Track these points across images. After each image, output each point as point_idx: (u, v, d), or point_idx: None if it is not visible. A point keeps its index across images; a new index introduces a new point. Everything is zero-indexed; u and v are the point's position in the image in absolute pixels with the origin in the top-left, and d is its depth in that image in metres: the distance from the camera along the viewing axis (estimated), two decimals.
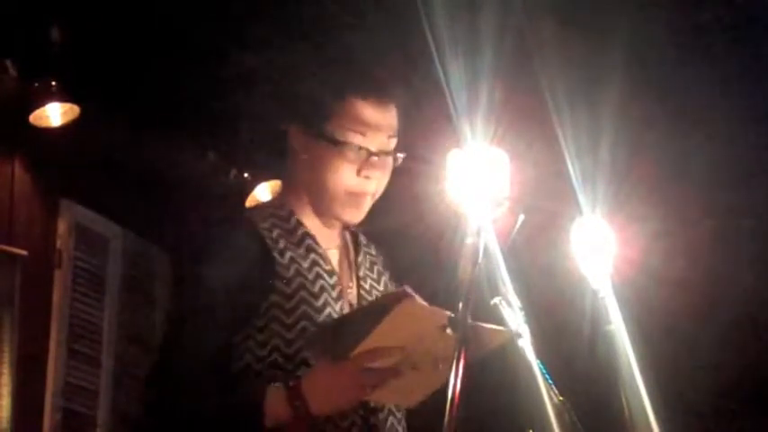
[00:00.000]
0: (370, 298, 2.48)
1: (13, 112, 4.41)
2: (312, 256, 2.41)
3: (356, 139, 2.39)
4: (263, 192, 5.09)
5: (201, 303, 2.28)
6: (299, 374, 2.27)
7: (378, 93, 2.42)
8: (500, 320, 2.25)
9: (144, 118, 4.66)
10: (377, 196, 2.49)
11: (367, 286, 2.51)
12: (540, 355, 2.26)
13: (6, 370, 4.39)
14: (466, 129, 2.22)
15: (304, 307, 2.33)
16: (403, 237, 2.66)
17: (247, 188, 5.06)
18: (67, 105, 4.41)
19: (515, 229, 2.26)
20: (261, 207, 2.50)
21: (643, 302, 2.86)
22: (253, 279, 2.32)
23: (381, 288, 2.54)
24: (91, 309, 4.91)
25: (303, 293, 2.34)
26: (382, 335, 2.16)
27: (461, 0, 3.37)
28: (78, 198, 4.90)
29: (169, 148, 4.90)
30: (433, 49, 3.01)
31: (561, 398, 2.25)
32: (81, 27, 4.24)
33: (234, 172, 5.08)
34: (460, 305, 2.04)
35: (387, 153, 2.44)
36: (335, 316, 2.35)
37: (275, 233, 2.39)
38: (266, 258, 2.35)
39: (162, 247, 5.34)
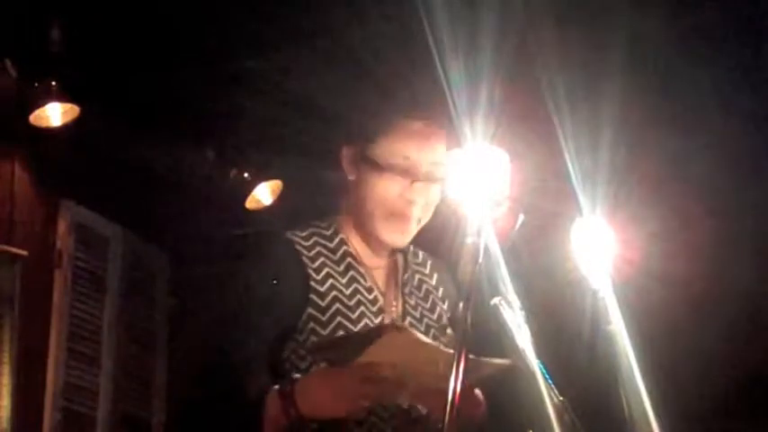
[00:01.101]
0: (415, 314, 2.52)
1: (13, 112, 4.41)
2: (351, 272, 2.47)
3: (400, 162, 2.42)
4: (264, 192, 5.10)
5: (242, 321, 2.35)
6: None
7: (423, 117, 2.44)
8: (499, 321, 2.24)
9: (144, 118, 4.66)
10: (423, 222, 2.52)
11: (413, 302, 2.54)
12: (539, 355, 2.26)
13: (6, 370, 4.39)
14: (466, 129, 2.22)
15: (339, 318, 2.39)
16: None
17: (247, 188, 5.06)
18: (67, 105, 4.41)
19: (515, 229, 2.26)
20: (307, 225, 2.53)
21: (643, 302, 2.86)
22: (288, 295, 2.38)
23: (428, 306, 2.57)
24: (91, 309, 4.91)
25: (338, 306, 2.40)
26: (375, 355, 2.17)
27: (461, 0, 3.37)
28: (78, 198, 4.91)
29: (169, 148, 4.91)
30: (433, 49, 3.01)
31: (561, 398, 2.25)
32: (81, 27, 4.24)
33: (234, 172, 5.08)
34: (461, 305, 2.05)
35: (432, 180, 2.46)
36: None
37: (315, 251, 2.45)
38: (301, 274, 2.41)
39: (162, 248, 5.34)
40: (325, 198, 2.66)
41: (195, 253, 5.06)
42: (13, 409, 4.36)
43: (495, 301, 2.25)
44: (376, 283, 2.51)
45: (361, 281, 2.47)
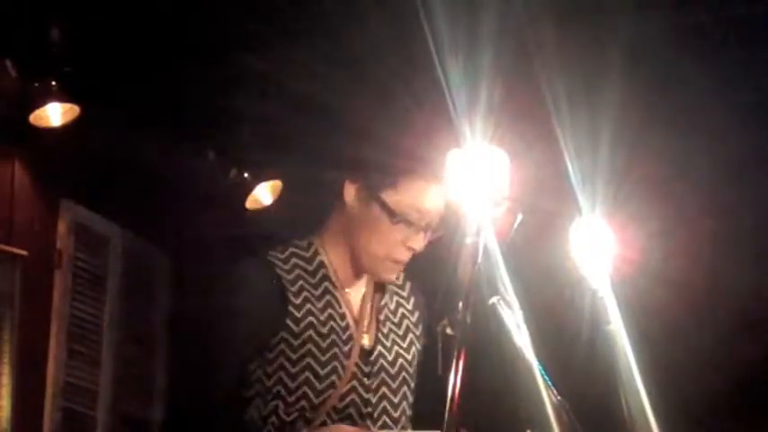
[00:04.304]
0: (386, 343, 2.56)
1: (13, 112, 4.41)
2: (327, 297, 2.51)
3: (413, 216, 2.47)
4: (263, 192, 5.09)
5: (219, 339, 2.44)
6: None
7: (437, 178, 2.44)
8: (498, 321, 2.25)
9: (144, 118, 4.66)
10: None
11: (385, 330, 2.58)
12: (538, 354, 2.26)
13: (6, 370, 4.39)
14: (466, 129, 2.22)
15: (310, 345, 2.46)
16: None
17: (247, 188, 5.06)
18: (67, 105, 4.41)
19: (513, 229, 2.26)
20: (286, 245, 2.57)
21: (643, 302, 2.86)
22: (267, 317, 2.45)
23: (401, 332, 2.60)
24: (91, 309, 4.91)
25: (311, 332, 2.46)
26: None
27: (461, 0, 3.37)
28: (78, 198, 4.91)
29: (169, 147, 4.91)
30: (433, 49, 3.01)
31: (560, 397, 2.25)
32: (81, 27, 4.24)
33: (234, 172, 5.07)
34: (460, 305, 2.05)
35: (433, 230, 2.51)
36: (340, 357, 2.48)
37: (294, 273, 2.50)
38: (281, 298, 2.47)
39: (162, 248, 5.34)
40: (324, 198, 2.65)
41: (195, 253, 5.06)
42: (13, 409, 4.36)
43: (494, 300, 2.25)
44: (350, 309, 2.54)
45: (336, 307, 2.52)
